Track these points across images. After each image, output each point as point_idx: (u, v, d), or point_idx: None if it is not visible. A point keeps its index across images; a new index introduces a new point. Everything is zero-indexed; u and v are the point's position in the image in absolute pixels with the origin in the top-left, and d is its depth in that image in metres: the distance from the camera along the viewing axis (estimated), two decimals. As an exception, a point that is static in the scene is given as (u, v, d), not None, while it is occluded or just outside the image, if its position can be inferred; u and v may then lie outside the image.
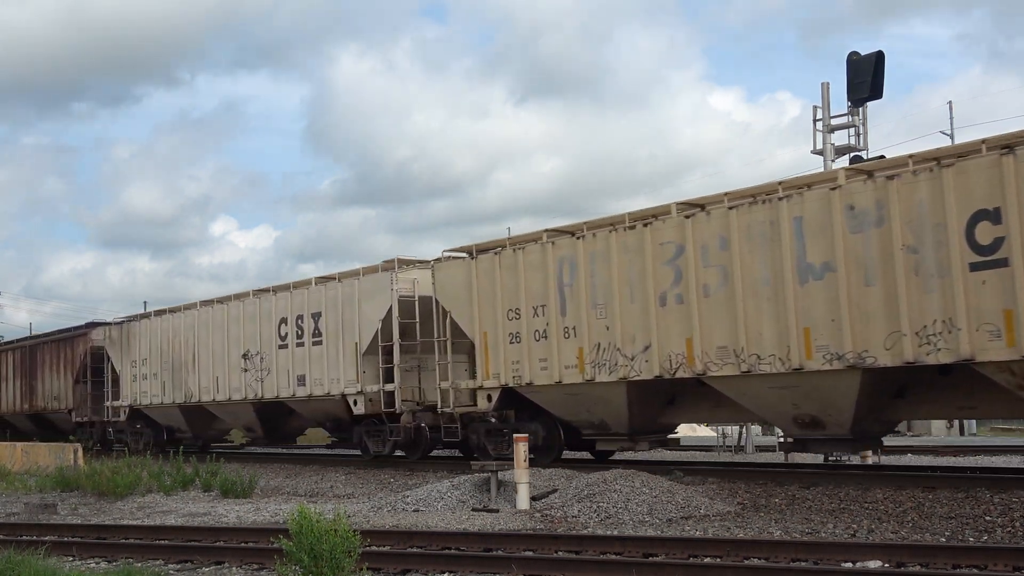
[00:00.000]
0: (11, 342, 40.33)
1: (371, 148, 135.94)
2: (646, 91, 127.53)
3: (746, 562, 9.66)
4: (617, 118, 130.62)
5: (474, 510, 14.22)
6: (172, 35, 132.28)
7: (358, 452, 23.31)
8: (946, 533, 11.21)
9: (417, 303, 20.91)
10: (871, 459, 20.12)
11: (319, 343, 22.70)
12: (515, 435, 14.98)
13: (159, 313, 29.57)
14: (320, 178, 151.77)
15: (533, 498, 14.31)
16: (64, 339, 34.21)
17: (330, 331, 22.33)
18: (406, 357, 21.08)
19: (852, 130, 24.63)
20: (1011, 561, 8.94)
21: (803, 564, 9.40)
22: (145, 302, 46.67)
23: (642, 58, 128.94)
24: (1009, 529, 11.23)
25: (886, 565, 9.18)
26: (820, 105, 25.04)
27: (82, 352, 32.33)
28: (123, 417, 30.37)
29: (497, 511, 13.88)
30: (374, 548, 10.40)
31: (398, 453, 22.20)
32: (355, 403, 21.63)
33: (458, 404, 19.60)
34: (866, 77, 23.31)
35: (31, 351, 36.06)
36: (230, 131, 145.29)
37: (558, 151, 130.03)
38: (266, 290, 25.23)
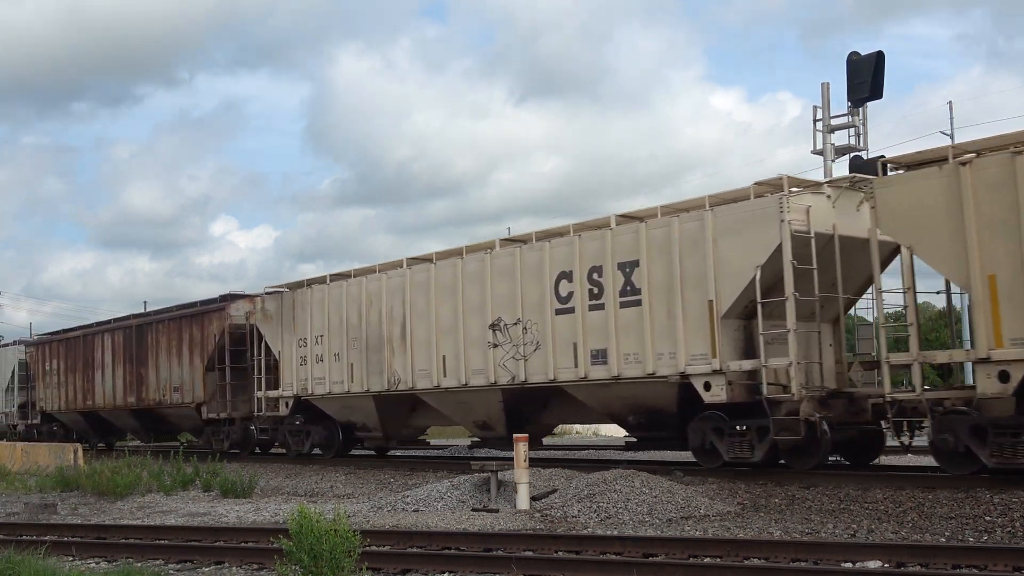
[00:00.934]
0: (106, 322, 33.65)
1: (371, 148, 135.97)
2: (646, 91, 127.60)
3: (746, 562, 9.66)
4: (617, 118, 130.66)
5: (474, 510, 14.22)
6: (172, 35, 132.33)
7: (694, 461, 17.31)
8: (946, 533, 11.22)
9: (813, 241, 15.26)
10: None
11: (633, 303, 16.69)
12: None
13: (339, 277, 23.28)
14: (320, 178, 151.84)
15: (533, 498, 14.32)
16: (190, 316, 28.02)
17: (655, 286, 16.42)
18: (774, 323, 15.30)
19: (852, 130, 24.64)
20: (1011, 561, 8.94)
21: (803, 564, 9.40)
22: (145, 302, 45.83)
23: (642, 58, 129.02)
24: (1009, 529, 11.23)
25: (886, 565, 9.18)
26: (820, 105, 25.05)
27: (217, 332, 26.56)
28: (285, 410, 24.36)
29: (497, 511, 13.89)
30: (374, 548, 10.41)
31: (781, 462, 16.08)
32: (707, 387, 15.76)
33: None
34: (866, 77, 23.31)
35: (139, 332, 29.88)
36: (230, 131, 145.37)
37: (558, 151, 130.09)
38: (522, 239, 19.37)
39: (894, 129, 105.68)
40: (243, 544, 11.89)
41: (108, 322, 33.20)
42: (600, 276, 17.22)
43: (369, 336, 21.77)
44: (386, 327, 21.37)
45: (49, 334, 37.17)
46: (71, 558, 11.56)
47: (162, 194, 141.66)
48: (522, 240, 19.29)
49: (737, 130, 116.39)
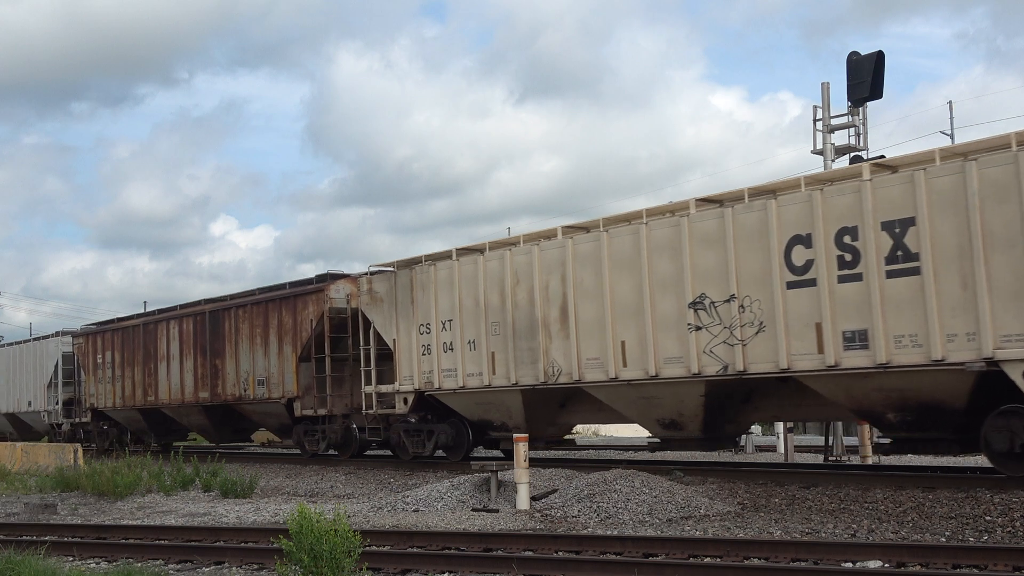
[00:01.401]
0: (170, 309, 30.24)
1: (371, 148, 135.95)
2: (647, 91, 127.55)
3: (746, 562, 9.67)
4: (618, 118, 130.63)
5: (474, 510, 14.22)
6: (171, 34, 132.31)
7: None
8: (946, 533, 11.22)
9: None
10: (871, 459, 20.16)
11: (908, 271, 13.33)
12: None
13: (468, 251, 19.73)
14: (320, 178, 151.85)
15: (533, 498, 14.32)
16: (280, 299, 24.43)
17: (940, 249, 13.05)
18: None
19: (852, 130, 24.63)
20: (1011, 561, 8.95)
21: (803, 564, 9.41)
22: (145, 302, 45.81)
23: (643, 57, 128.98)
24: (1009, 529, 11.23)
25: (886, 565, 9.19)
26: (820, 105, 25.04)
27: (314, 316, 23.11)
28: (403, 407, 20.70)
29: (497, 511, 13.89)
30: (374, 548, 10.41)
31: None
32: None
33: None
34: (866, 77, 23.29)
35: (214, 319, 26.50)
36: (230, 131, 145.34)
37: (558, 151, 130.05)
38: (730, 198, 15.91)
39: (895, 129, 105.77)
40: (243, 544, 11.90)
41: (173, 308, 29.78)
42: (854, 239, 13.84)
43: (516, 320, 18.36)
44: (540, 309, 17.93)
45: (100, 324, 33.64)
46: (71, 558, 11.57)
47: (162, 194, 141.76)
48: (724, 200, 15.90)
49: (738, 130, 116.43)
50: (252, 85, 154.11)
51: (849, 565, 9.26)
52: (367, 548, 9.20)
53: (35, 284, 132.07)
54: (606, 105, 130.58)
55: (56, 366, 35.38)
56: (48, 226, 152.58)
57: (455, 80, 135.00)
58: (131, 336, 30.34)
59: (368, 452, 24.35)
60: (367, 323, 21.83)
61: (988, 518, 11.78)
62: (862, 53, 23.60)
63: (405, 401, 20.63)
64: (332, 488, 19.44)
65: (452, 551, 10.72)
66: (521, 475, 14.22)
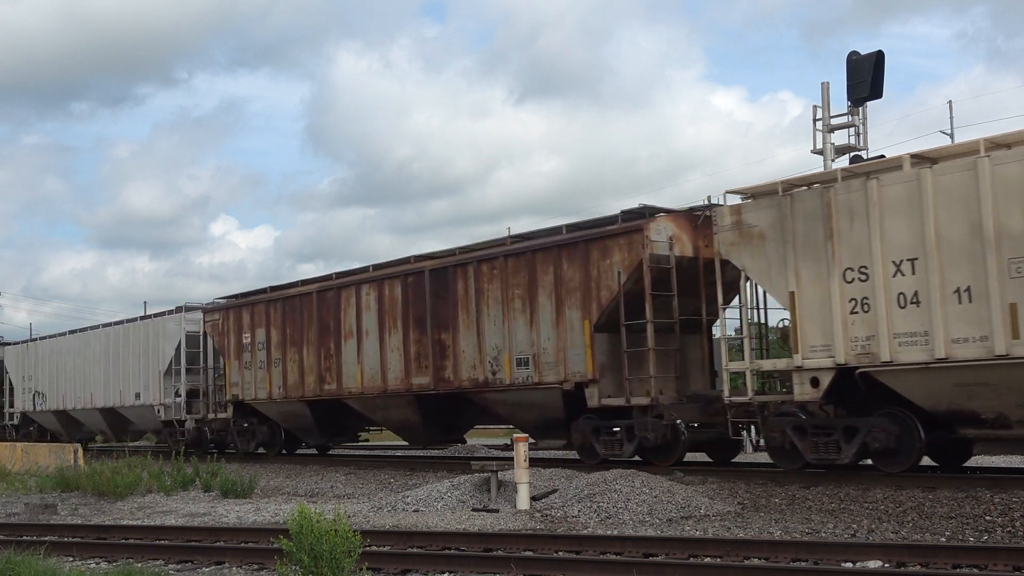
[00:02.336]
0: (358, 270, 23.32)
1: (371, 148, 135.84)
2: (647, 90, 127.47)
3: (746, 562, 9.67)
4: (618, 117, 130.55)
5: (474, 510, 14.23)
6: (169, 34, 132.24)
7: None
8: (946, 533, 11.22)
9: None
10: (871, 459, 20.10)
11: None
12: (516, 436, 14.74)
13: (921, 160, 13.84)
14: (320, 178, 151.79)
15: (533, 498, 14.32)
16: (557, 247, 18.28)
17: None
18: None
19: (852, 130, 24.64)
20: (1011, 561, 8.95)
21: (803, 564, 9.41)
22: (145, 302, 44.90)
23: (643, 57, 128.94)
24: (1009, 529, 11.24)
25: (886, 565, 9.19)
26: (820, 105, 25.05)
27: (621, 268, 17.15)
28: (811, 391, 14.59)
29: (497, 511, 13.89)
30: (374, 548, 10.41)
31: None
32: None
33: None
34: (866, 77, 23.31)
35: (437, 278, 20.31)
36: (230, 131, 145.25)
37: (558, 150, 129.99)
38: None
39: (895, 128, 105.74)
40: (243, 544, 11.90)
41: (363, 270, 22.99)
42: None
43: None
44: None
45: (242, 295, 27.01)
46: (71, 558, 11.57)
47: (162, 194, 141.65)
48: None
49: (738, 130, 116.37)
50: (252, 85, 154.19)
51: (849, 565, 9.26)
52: (367, 548, 9.19)
53: (35, 284, 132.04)
54: (606, 105, 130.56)
55: (178, 349, 28.77)
56: (48, 226, 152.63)
57: (455, 80, 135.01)
58: (297, 308, 23.87)
59: (735, 461, 18.87)
60: (731, 272, 16.08)
61: (988, 518, 11.78)
62: (862, 53, 23.61)
63: (814, 383, 14.55)
64: (332, 488, 19.45)
65: (452, 551, 10.73)
66: (521, 475, 14.22)
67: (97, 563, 11.34)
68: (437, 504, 14.64)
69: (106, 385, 32.15)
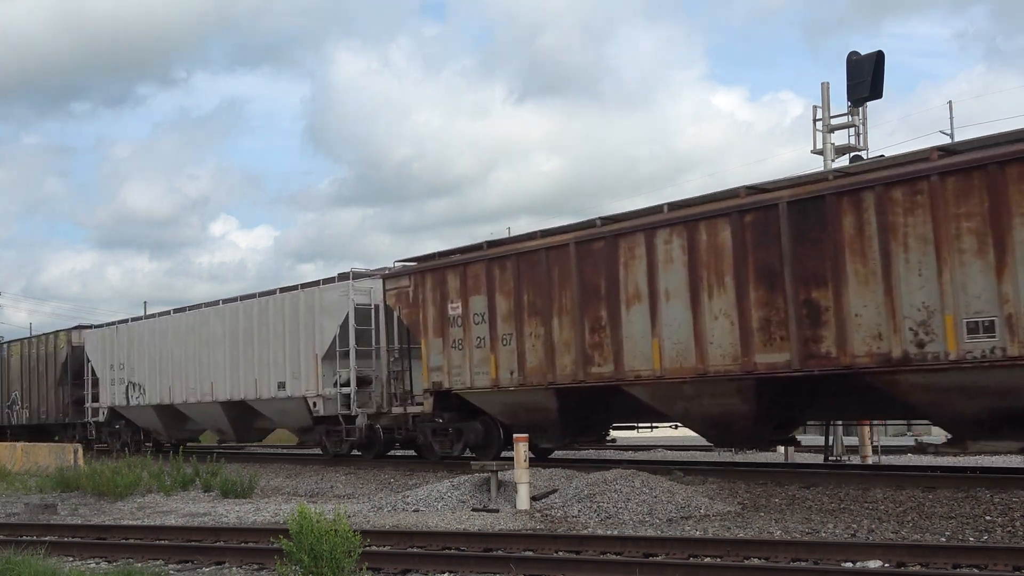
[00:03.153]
0: (647, 211, 16.90)
1: (371, 148, 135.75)
2: (647, 90, 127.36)
3: (746, 562, 9.67)
4: (618, 117, 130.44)
5: (474, 510, 14.23)
6: (167, 33, 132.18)
7: None
8: (946, 533, 11.22)
9: None
10: (871, 459, 20.18)
11: None
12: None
13: None
14: (320, 178, 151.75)
15: (533, 498, 14.33)
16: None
17: None
18: None
19: (852, 130, 24.63)
20: (1011, 561, 8.95)
21: (803, 564, 9.41)
22: (145, 302, 43.71)
23: (643, 57, 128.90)
24: (1009, 529, 11.24)
25: (886, 565, 9.19)
26: (820, 105, 25.05)
27: None
28: None
29: (497, 511, 13.90)
30: (374, 548, 10.42)
31: None
32: None
33: None
34: (866, 77, 23.28)
35: (797, 214, 14.53)
36: (230, 130, 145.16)
37: (558, 150, 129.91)
38: None
39: (895, 128, 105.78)
40: (243, 544, 11.90)
41: (653, 210, 16.81)
42: None
43: None
44: None
45: (446, 253, 20.61)
46: (71, 558, 11.57)
47: (162, 194, 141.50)
48: None
49: (739, 130, 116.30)
50: (251, 85, 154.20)
51: (849, 565, 9.27)
52: (367, 548, 9.20)
53: (35, 284, 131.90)
54: (606, 105, 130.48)
55: (344, 326, 22.76)
56: (48, 226, 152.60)
57: (455, 80, 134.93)
58: (542, 266, 18.00)
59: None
60: None
61: (988, 518, 11.79)
62: (862, 53, 23.61)
63: None
64: (332, 488, 19.44)
65: (452, 551, 10.73)
66: (521, 475, 14.23)
67: (97, 563, 11.34)
68: (437, 504, 14.64)
69: (233, 374, 25.94)
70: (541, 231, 18.73)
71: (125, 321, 32.11)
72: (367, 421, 22.45)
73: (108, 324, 32.96)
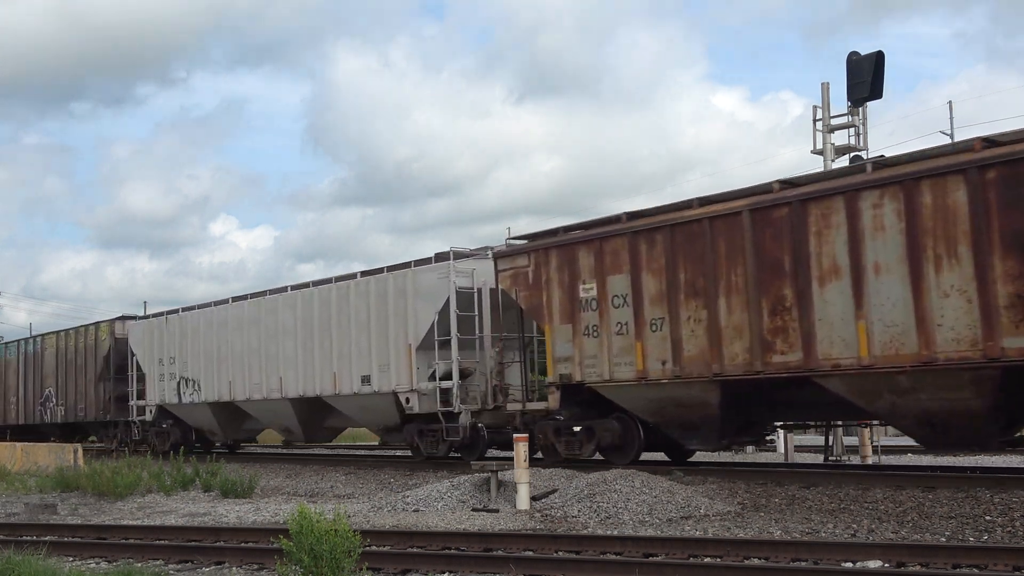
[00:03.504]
0: (844, 171, 15.53)
1: (370, 148, 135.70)
2: (648, 90, 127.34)
3: (746, 562, 9.67)
4: (618, 117, 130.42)
5: (474, 510, 14.23)
6: (168, 33, 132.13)
7: None
8: (946, 533, 11.22)
9: None
10: (871, 459, 20.17)
11: None
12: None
13: None
14: (320, 178, 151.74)
15: (533, 498, 14.32)
16: None
17: None
18: None
19: (852, 130, 24.63)
20: (1011, 561, 8.95)
21: (803, 564, 9.41)
22: (145, 302, 43.09)
23: (644, 57, 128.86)
24: (1009, 529, 11.24)
25: (886, 565, 9.19)
26: (820, 105, 25.05)
27: None
28: None
29: (497, 511, 13.90)
30: (374, 548, 10.42)
31: None
32: None
33: None
34: (866, 77, 23.30)
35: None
36: (230, 130, 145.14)
37: (558, 150, 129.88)
38: None
39: (896, 128, 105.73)
40: (243, 544, 11.90)
41: (854, 169, 15.50)
42: None
43: None
44: None
45: (572, 228, 18.29)
46: (71, 558, 11.57)
47: (162, 194, 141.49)
48: None
49: (740, 130, 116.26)
50: (251, 85, 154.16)
51: (849, 565, 9.27)
52: (367, 548, 9.20)
53: (35, 284, 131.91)
54: (606, 105, 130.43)
55: (444, 312, 19.93)
56: (48, 226, 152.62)
57: (455, 80, 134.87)
58: (704, 238, 15.70)
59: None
60: None
61: (988, 518, 11.79)
62: (862, 53, 23.62)
63: None
64: (332, 488, 19.44)
65: (452, 551, 10.73)
66: (521, 475, 14.22)
67: (97, 563, 11.34)
68: (437, 504, 14.64)
69: (306, 367, 23.31)
70: (698, 199, 16.16)
71: (175, 311, 29.11)
72: (469, 420, 19.86)
73: (155, 315, 30.62)
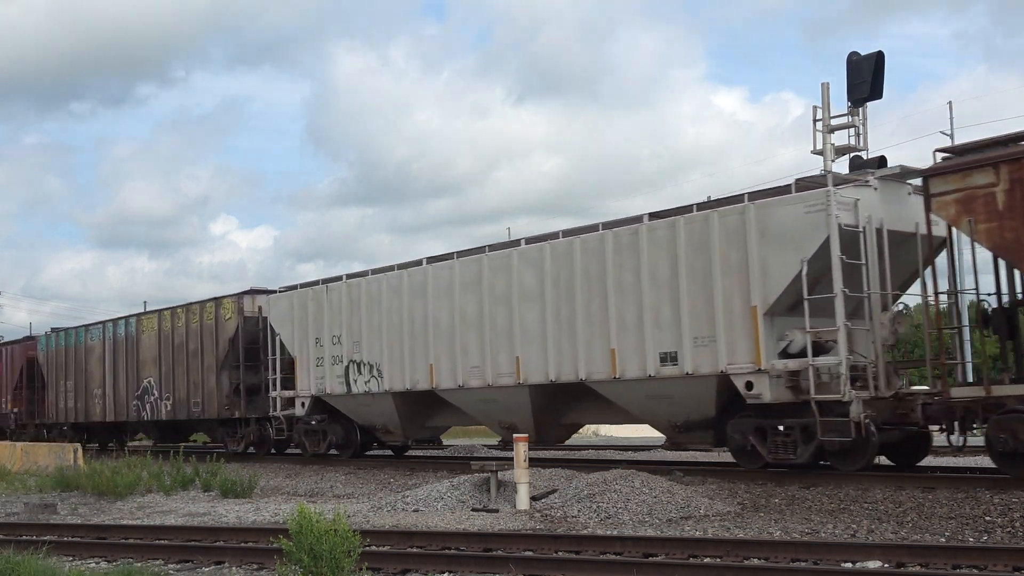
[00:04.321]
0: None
1: (370, 148, 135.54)
2: (648, 90, 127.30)
3: (746, 562, 9.66)
4: (619, 117, 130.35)
5: (474, 510, 14.23)
6: (167, 33, 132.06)
7: None
8: (946, 533, 11.22)
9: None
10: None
11: None
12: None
13: None
14: (320, 177, 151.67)
15: (533, 498, 14.32)
16: None
17: None
18: None
19: (852, 130, 24.61)
20: (1011, 561, 8.95)
21: (803, 564, 9.40)
22: (145, 302, 42.79)
23: (644, 57, 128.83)
24: (1009, 529, 11.24)
25: (886, 565, 9.19)
26: (820, 105, 25.04)
27: None
28: None
29: (497, 511, 13.89)
30: (374, 548, 10.42)
31: None
32: None
33: None
34: (866, 77, 23.27)
35: None
36: (229, 130, 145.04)
37: (559, 150, 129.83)
38: None
39: (896, 128, 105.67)
40: (243, 544, 11.89)
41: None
42: None
43: None
44: None
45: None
46: (71, 558, 11.57)
47: (162, 193, 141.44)
48: None
49: (740, 130, 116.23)
50: (251, 84, 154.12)
51: (849, 565, 9.26)
52: (367, 548, 9.20)
53: (35, 284, 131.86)
54: (606, 105, 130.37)
55: (820, 259, 14.39)
56: (48, 226, 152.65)
57: (454, 79, 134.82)
58: None
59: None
60: None
61: (988, 518, 11.78)
62: (862, 53, 23.61)
63: None
64: (332, 488, 19.44)
65: (452, 551, 10.72)
66: (521, 475, 14.22)
67: (97, 563, 11.34)
68: (437, 504, 14.63)
69: (560, 344, 17.64)
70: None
71: (342, 279, 22.63)
72: (862, 411, 13.99)
73: (306, 284, 23.74)
